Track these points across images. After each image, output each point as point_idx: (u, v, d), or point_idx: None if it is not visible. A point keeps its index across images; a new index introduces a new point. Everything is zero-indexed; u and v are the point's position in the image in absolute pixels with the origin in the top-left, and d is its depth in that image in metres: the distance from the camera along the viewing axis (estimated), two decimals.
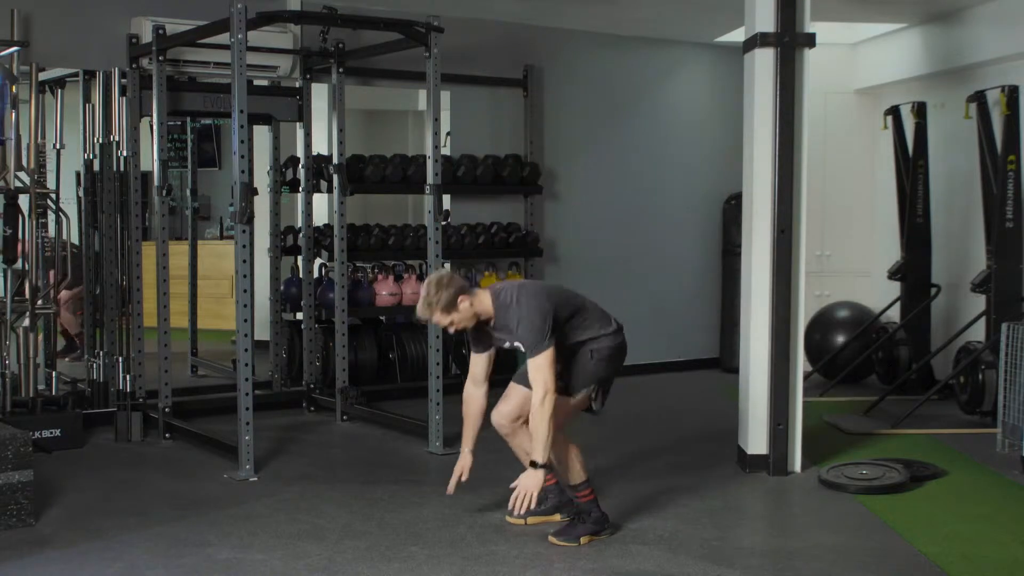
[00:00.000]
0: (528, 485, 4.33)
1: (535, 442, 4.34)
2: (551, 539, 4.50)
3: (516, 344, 4.43)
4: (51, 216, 6.48)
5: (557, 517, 4.73)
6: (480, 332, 4.55)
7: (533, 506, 4.37)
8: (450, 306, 4.36)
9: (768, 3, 5.49)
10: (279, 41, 7.02)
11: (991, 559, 4.37)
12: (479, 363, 4.64)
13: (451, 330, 4.50)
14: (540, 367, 4.32)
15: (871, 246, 8.78)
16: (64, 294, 7.21)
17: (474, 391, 4.66)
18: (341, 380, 6.90)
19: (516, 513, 4.45)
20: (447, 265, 7.64)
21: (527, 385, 4.45)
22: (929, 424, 6.68)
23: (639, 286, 8.49)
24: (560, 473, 4.60)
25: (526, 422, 4.51)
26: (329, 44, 6.86)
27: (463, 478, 4.66)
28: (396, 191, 7.60)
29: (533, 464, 4.35)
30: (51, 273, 6.54)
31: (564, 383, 4.49)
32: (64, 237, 6.57)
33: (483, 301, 4.44)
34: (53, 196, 6.54)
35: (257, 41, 6.35)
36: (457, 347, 7.88)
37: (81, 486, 5.29)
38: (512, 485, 4.38)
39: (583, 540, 4.48)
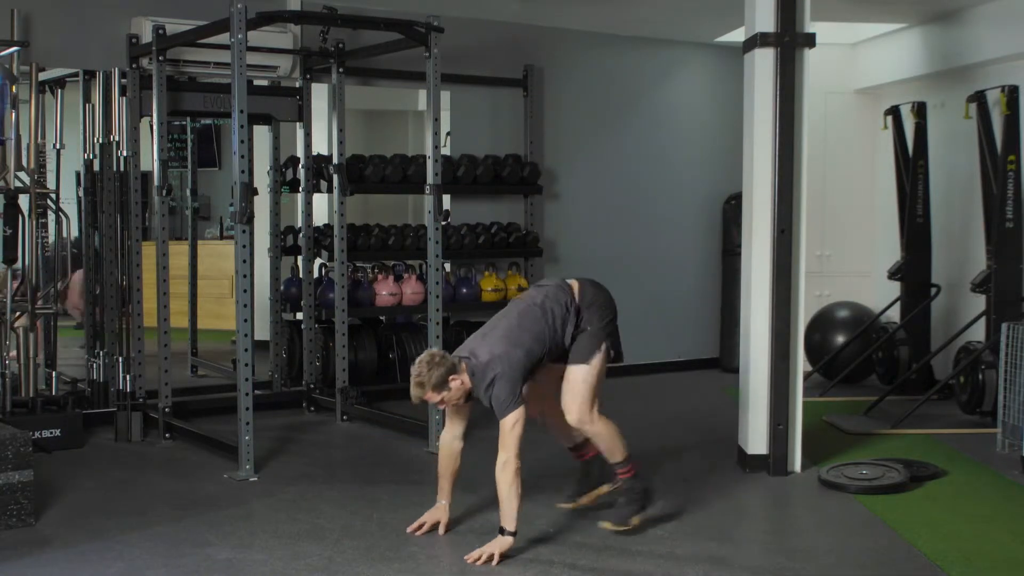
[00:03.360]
0: (495, 551, 4.25)
1: (503, 509, 4.31)
2: (605, 526, 4.57)
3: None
4: (51, 216, 6.49)
5: (605, 488, 4.83)
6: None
7: (494, 564, 4.22)
8: (441, 385, 4.36)
9: (768, 3, 5.49)
10: (279, 41, 7.02)
11: (991, 559, 4.37)
12: (454, 420, 4.61)
13: (440, 407, 4.58)
14: (505, 431, 4.32)
15: (871, 246, 8.78)
16: (73, 281, 7.20)
17: (454, 444, 4.62)
18: (341, 380, 6.90)
19: (472, 562, 4.27)
20: (447, 265, 7.65)
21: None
22: (929, 424, 6.68)
23: (639, 286, 8.49)
24: (604, 452, 4.64)
25: (550, 407, 4.63)
26: (329, 44, 6.86)
27: (440, 532, 4.57)
28: (396, 191, 7.60)
29: (501, 531, 4.30)
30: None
31: (574, 358, 4.51)
32: (64, 236, 6.57)
33: (465, 377, 4.43)
34: (53, 196, 6.54)
35: (257, 41, 6.35)
36: (457, 347, 7.89)
37: (81, 486, 5.29)
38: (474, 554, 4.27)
39: (634, 520, 4.57)
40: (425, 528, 4.59)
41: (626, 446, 4.63)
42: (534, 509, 4.81)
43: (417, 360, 4.41)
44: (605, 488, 4.81)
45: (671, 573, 4.18)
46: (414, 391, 4.41)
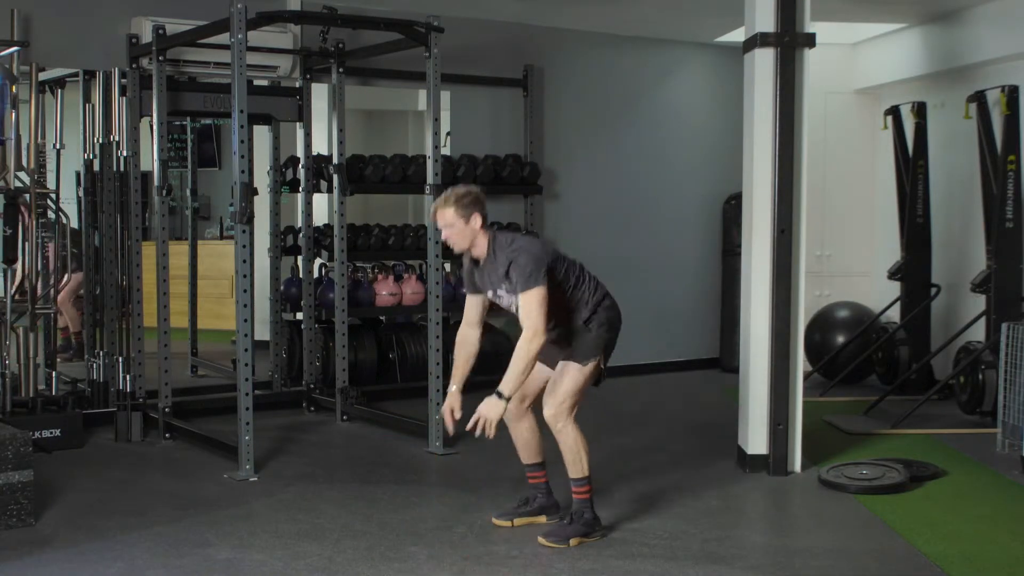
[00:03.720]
0: (488, 413, 4.28)
1: (508, 373, 4.31)
2: (540, 540, 4.48)
3: (499, 295, 4.46)
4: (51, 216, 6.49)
5: (543, 519, 4.72)
6: (471, 272, 4.57)
7: (491, 435, 4.28)
8: (466, 211, 4.40)
9: (768, 3, 5.49)
10: (279, 41, 7.01)
11: (991, 559, 4.37)
12: (472, 305, 4.64)
13: (445, 236, 4.50)
14: (529, 305, 4.31)
15: (871, 246, 8.78)
16: (65, 291, 7.20)
17: (468, 332, 4.65)
18: (341, 380, 6.90)
19: (477, 435, 4.32)
20: (447, 266, 7.65)
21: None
22: (929, 424, 6.68)
23: (639, 286, 8.48)
24: (566, 463, 4.53)
25: (531, 405, 4.57)
26: (329, 44, 6.86)
27: (456, 416, 4.53)
28: (396, 191, 7.60)
29: (498, 395, 4.30)
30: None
31: (570, 354, 4.48)
32: (64, 238, 6.58)
33: (487, 239, 4.47)
34: (53, 196, 6.53)
35: (257, 41, 6.35)
36: None
37: (81, 486, 5.29)
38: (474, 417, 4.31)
39: (573, 542, 4.46)
40: (448, 420, 4.52)
41: (590, 466, 4.52)
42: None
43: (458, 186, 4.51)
44: (542, 519, 4.71)
45: (671, 573, 4.18)
46: (439, 200, 4.48)
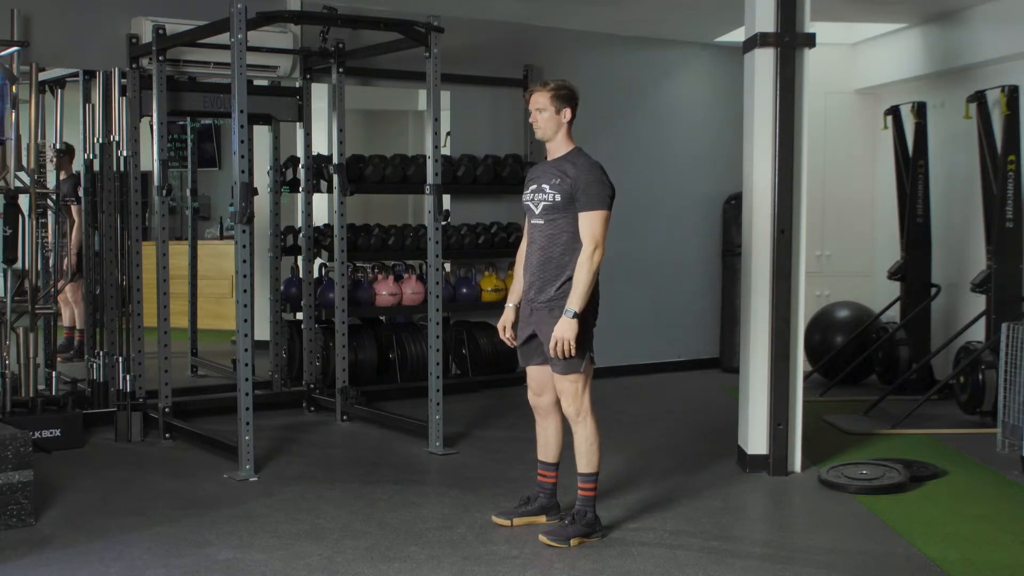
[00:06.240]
0: (564, 334, 4.34)
1: (574, 290, 4.36)
2: (541, 538, 4.48)
3: (542, 187, 4.47)
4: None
5: (543, 519, 4.72)
6: (538, 172, 4.59)
7: (572, 354, 4.35)
8: (560, 102, 4.47)
9: (768, 3, 5.49)
10: (279, 41, 7.01)
11: (991, 559, 4.37)
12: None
13: (533, 119, 4.54)
14: (594, 223, 4.39)
15: (871, 246, 8.78)
16: (70, 287, 7.21)
17: (525, 249, 4.69)
18: (341, 380, 6.90)
19: (555, 355, 4.39)
20: (447, 265, 7.65)
21: (542, 364, 4.52)
22: (929, 424, 6.68)
23: (639, 286, 8.49)
24: (577, 456, 4.54)
25: (557, 403, 4.57)
26: (329, 44, 6.86)
27: (507, 332, 4.70)
28: (396, 191, 7.60)
29: (570, 313, 4.34)
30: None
31: (559, 367, 4.47)
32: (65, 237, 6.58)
33: (569, 140, 4.54)
34: (53, 196, 6.53)
35: (257, 41, 6.35)
36: (457, 347, 7.90)
37: (81, 486, 5.29)
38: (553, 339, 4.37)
39: (573, 542, 4.46)
40: (507, 333, 4.70)
41: (600, 464, 4.55)
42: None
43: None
44: (542, 519, 4.72)
45: (671, 573, 4.18)
46: (534, 84, 4.58)
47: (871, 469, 5.43)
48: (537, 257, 4.53)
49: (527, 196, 4.59)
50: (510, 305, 4.74)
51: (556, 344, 4.35)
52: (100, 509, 4.93)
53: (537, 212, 4.52)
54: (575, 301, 4.35)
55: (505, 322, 4.73)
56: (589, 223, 4.39)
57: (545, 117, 4.50)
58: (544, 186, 4.50)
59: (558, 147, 4.54)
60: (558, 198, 4.45)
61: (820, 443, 6.09)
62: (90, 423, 6.34)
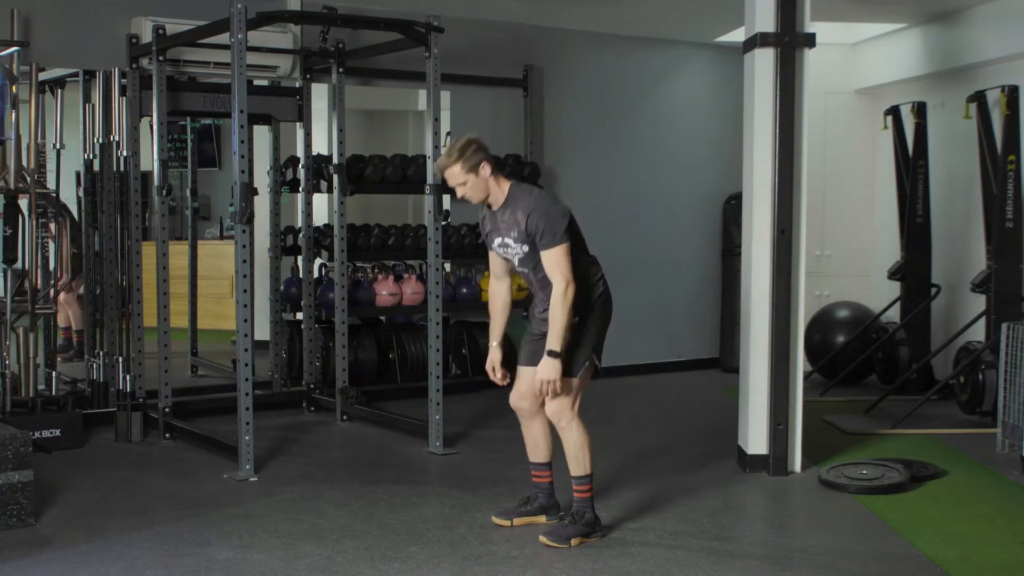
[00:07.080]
0: (548, 375, 4.34)
1: (551, 330, 4.35)
2: (541, 539, 4.48)
3: (506, 242, 4.47)
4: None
5: (543, 519, 4.72)
6: (486, 220, 4.57)
7: (559, 392, 4.36)
8: (472, 162, 4.39)
9: (768, 3, 5.49)
10: (279, 41, 7.01)
11: (991, 559, 4.37)
12: (496, 259, 4.68)
13: (459, 193, 4.49)
14: (558, 260, 4.36)
15: (871, 246, 8.78)
16: (73, 287, 7.21)
17: (497, 285, 4.71)
18: (341, 380, 6.90)
19: (549, 398, 4.41)
20: (447, 265, 7.64)
21: (534, 365, 4.48)
22: (929, 424, 6.68)
23: (639, 286, 8.48)
24: (568, 460, 4.53)
25: (543, 405, 4.53)
26: (329, 44, 6.86)
27: (497, 372, 4.67)
28: (396, 191, 7.59)
29: (551, 354, 4.34)
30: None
31: (565, 365, 4.44)
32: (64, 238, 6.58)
33: (501, 184, 4.48)
34: (53, 196, 6.53)
35: (257, 41, 6.35)
36: (457, 347, 7.89)
37: (81, 486, 5.29)
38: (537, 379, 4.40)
39: (574, 542, 4.45)
40: (493, 377, 4.67)
41: (593, 464, 4.53)
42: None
43: (459, 137, 4.47)
44: (542, 519, 4.71)
45: (671, 573, 4.18)
46: (442, 160, 4.45)
47: (871, 469, 5.43)
48: (540, 295, 4.56)
49: (499, 250, 4.58)
50: (494, 344, 4.70)
51: (541, 386, 4.36)
52: (100, 509, 4.93)
53: (517, 264, 4.55)
54: (554, 340, 4.35)
55: (493, 362, 4.68)
56: (553, 261, 4.37)
57: (469, 186, 4.44)
58: (507, 240, 4.50)
59: (496, 195, 4.49)
60: (526, 248, 4.46)
61: (820, 443, 6.09)
62: (90, 423, 6.34)
